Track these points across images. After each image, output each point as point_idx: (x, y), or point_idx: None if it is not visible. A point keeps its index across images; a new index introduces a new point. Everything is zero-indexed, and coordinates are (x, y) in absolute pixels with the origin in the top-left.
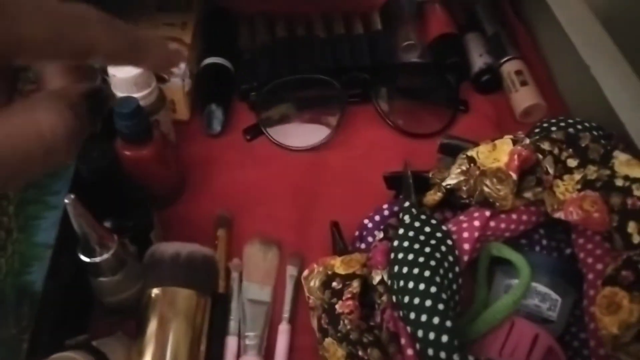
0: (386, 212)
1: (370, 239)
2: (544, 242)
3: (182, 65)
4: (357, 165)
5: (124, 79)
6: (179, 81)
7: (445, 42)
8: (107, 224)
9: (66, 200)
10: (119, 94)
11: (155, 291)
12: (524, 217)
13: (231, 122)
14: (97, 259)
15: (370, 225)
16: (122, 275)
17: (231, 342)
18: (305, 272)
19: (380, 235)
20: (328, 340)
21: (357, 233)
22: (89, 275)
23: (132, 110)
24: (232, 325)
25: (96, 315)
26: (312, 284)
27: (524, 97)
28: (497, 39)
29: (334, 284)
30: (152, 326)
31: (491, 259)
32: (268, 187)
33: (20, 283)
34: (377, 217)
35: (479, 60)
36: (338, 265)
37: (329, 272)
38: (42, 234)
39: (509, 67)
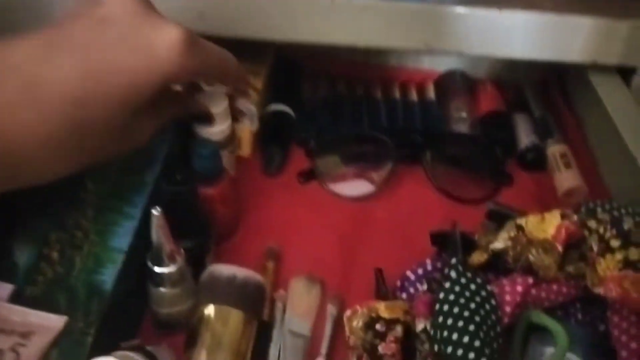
0: (429, 267)
1: (411, 290)
2: (579, 316)
3: (252, 108)
4: (401, 221)
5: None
6: (248, 121)
7: (494, 118)
8: None
9: (155, 212)
10: (198, 126)
11: (209, 308)
12: (564, 289)
13: (287, 164)
14: (165, 270)
15: (412, 277)
16: (181, 289)
17: None
18: (348, 312)
19: (423, 287)
20: None
21: (398, 283)
22: (149, 284)
23: (210, 153)
24: (272, 353)
25: (145, 325)
26: (354, 324)
27: (566, 179)
28: (544, 121)
29: (378, 326)
30: (203, 341)
31: (527, 326)
32: (316, 229)
33: (92, 281)
34: (420, 271)
35: (525, 139)
36: (382, 309)
37: (373, 315)
38: (117, 240)
39: (554, 149)
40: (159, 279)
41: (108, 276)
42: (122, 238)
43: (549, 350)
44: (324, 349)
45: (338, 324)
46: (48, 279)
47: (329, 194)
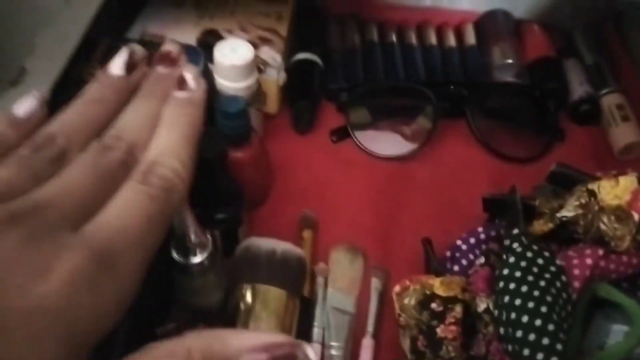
0: (482, 236)
1: (464, 261)
2: None
3: (278, 58)
4: (444, 181)
5: (233, 65)
6: (274, 73)
7: (544, 66)
8: (198, 212)
9: None
10: (222, 81)
11: (248, 288)
12: (634, 261)
13: (318, 121)
14: (193, 261)
15: (464, 247)
16: (212, 276)
17: (315, 350)
18: (397, 288)
19: (479, 260)
20: None
21: (448, 254)
22: (176, 273)
23: (238, 111)
24: (316, 332)
25: (175, 315)
26: (406, 301)
27: (624, 134)
28: (598, 68)
29: (434, 305)
30: (243, 324)
31: (590, 299)
32: (352, 192)
33: None
34: (471, 240)
35: (579, 88)
36: (437, 285)
37: (427, 292)
38: None
39: (610, 100)
40: (186, 270)
41: None
42: None
43: (617, 328)
44: (370, 327)
45: (384, 298)
46: None
47: (364, 153)
